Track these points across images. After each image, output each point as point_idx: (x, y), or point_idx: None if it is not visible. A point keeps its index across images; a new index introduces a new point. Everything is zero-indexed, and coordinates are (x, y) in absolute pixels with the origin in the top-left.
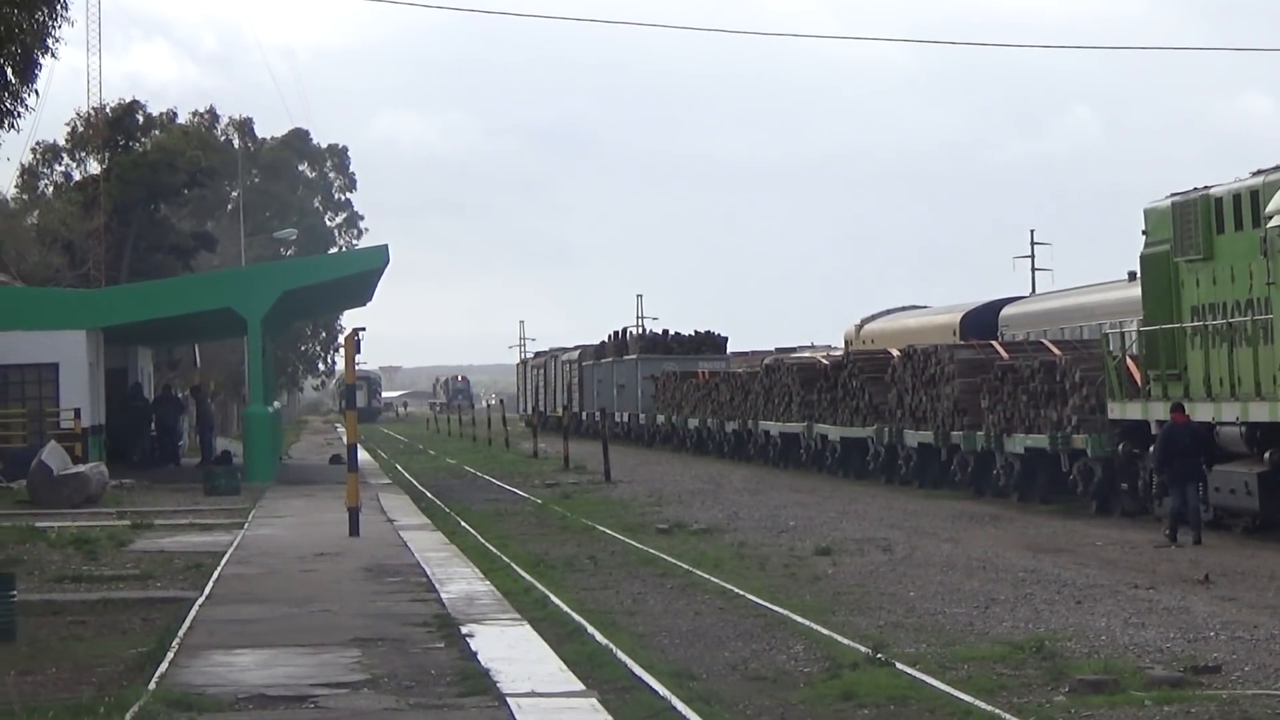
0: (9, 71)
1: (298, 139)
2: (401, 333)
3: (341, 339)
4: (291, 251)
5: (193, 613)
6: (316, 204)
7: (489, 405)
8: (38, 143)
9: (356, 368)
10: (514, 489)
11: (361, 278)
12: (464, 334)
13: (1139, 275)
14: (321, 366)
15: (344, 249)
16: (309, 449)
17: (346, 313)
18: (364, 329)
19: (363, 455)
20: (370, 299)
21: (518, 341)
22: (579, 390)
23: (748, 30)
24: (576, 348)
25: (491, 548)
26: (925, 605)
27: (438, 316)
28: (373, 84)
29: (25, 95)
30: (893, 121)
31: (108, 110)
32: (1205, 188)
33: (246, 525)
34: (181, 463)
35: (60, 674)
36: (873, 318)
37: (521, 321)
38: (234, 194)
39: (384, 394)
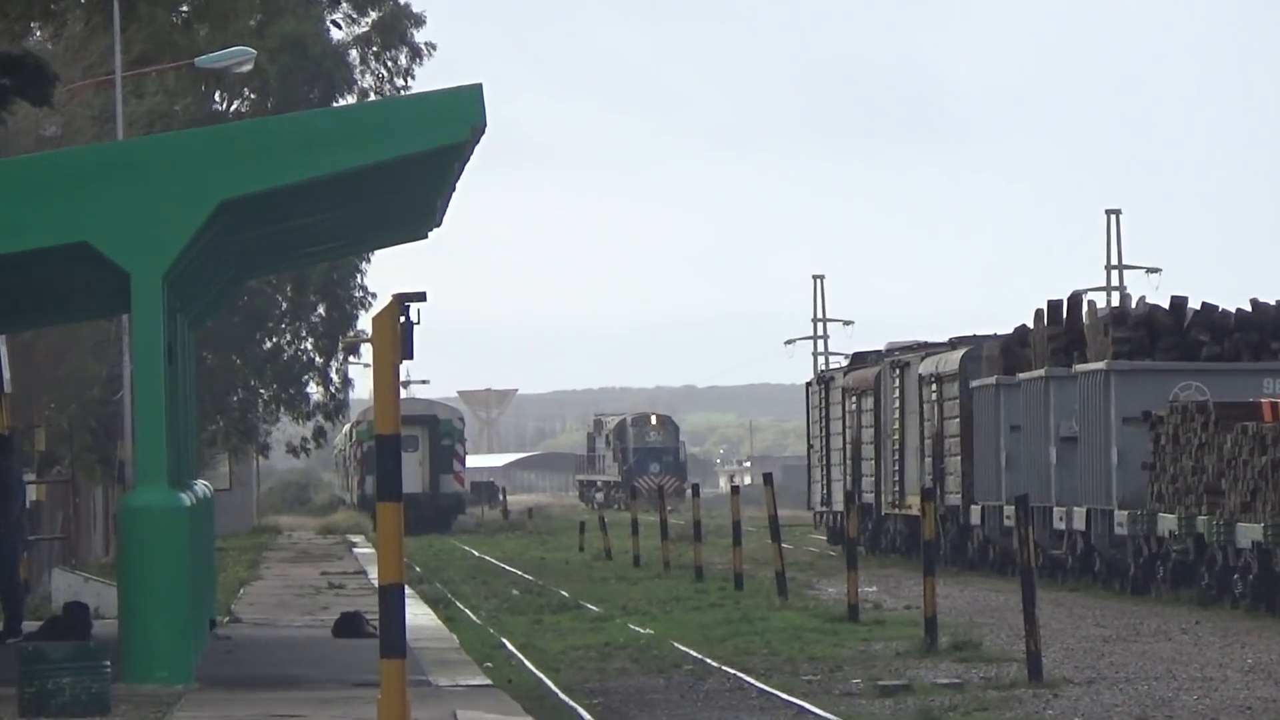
0: None
1: None
2: (515, 314)
3: (363, 322)
4: (246, 106)
5: None
6: None
7: (733, 486)
8: None
9: (403, 392)
10: (799, 700)
11: (419, 168)
12: (667, 315)
13: None
14: (317, 393)
15: (376, 95)
16: (282, 595)
17: (376, 256)
18: (422, 298)
19: (420, 615)
20: (436, 223)
21: (810, 329)
22: (960, 447)
23: None
24: (954, 343)
25: None
26: None
27: (605, 276)
28: None
29: None
30: None
31: None
32: None
33: None
34: None
35: None
36: None
37: (819, 279)
38: None
39: (466, 458)
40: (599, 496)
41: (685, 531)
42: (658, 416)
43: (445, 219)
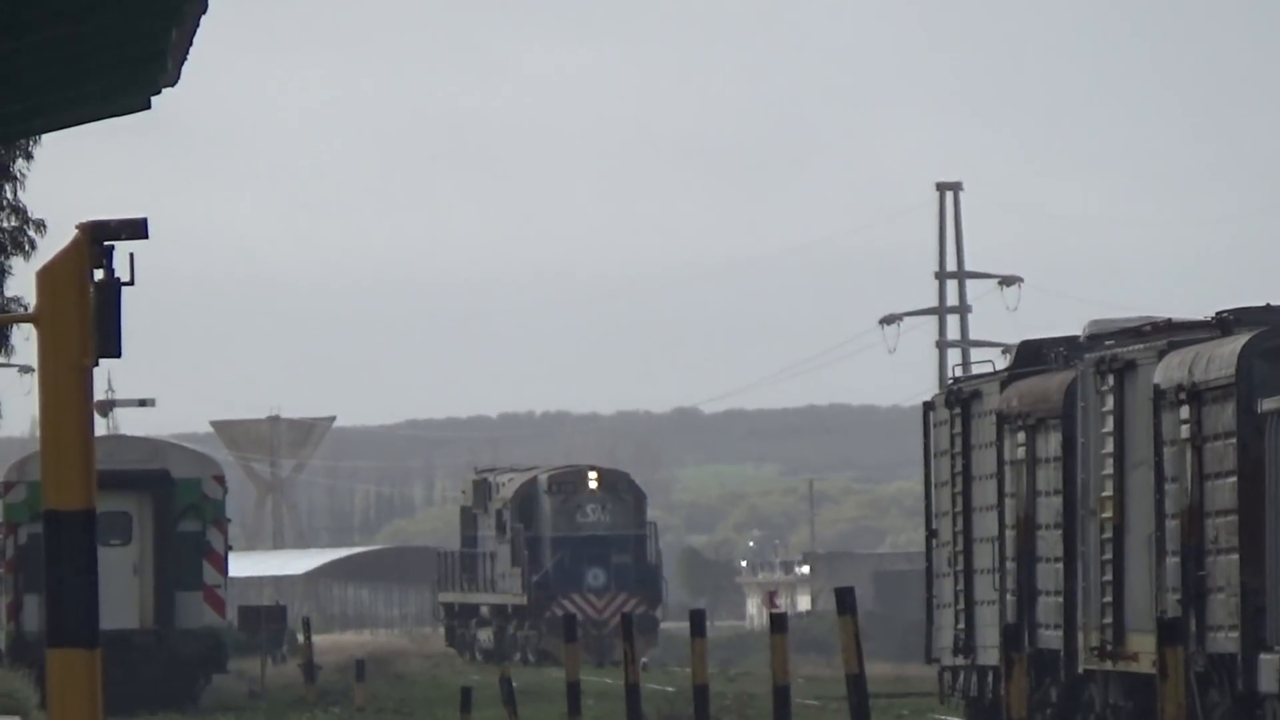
0: None
1: None
2: (326, 270)
3: (19, 285)
4: None
5: None
6: None
7: (774, 613)
8: None
9: (103, 424)
10: None
11: None
12: (632, 267)
13: None
14: None
15: None
16: None
17: (47, 146)
18: (139, 233)
19: None
20: (169, 81)
21: (933, 293)
22: (1238, 534)
23: None
24: (1224, 323)
25: None
26: None
27: (510, 191)
28: None
29: None
30: None
31: None
32: None
33: None
34: None
35: None
36: None
37: (949, 193)
38: None
39: (230, 557)
40: (483, 636)
41: (678, 707)
42: (601, 474)
43: (183, 74)
